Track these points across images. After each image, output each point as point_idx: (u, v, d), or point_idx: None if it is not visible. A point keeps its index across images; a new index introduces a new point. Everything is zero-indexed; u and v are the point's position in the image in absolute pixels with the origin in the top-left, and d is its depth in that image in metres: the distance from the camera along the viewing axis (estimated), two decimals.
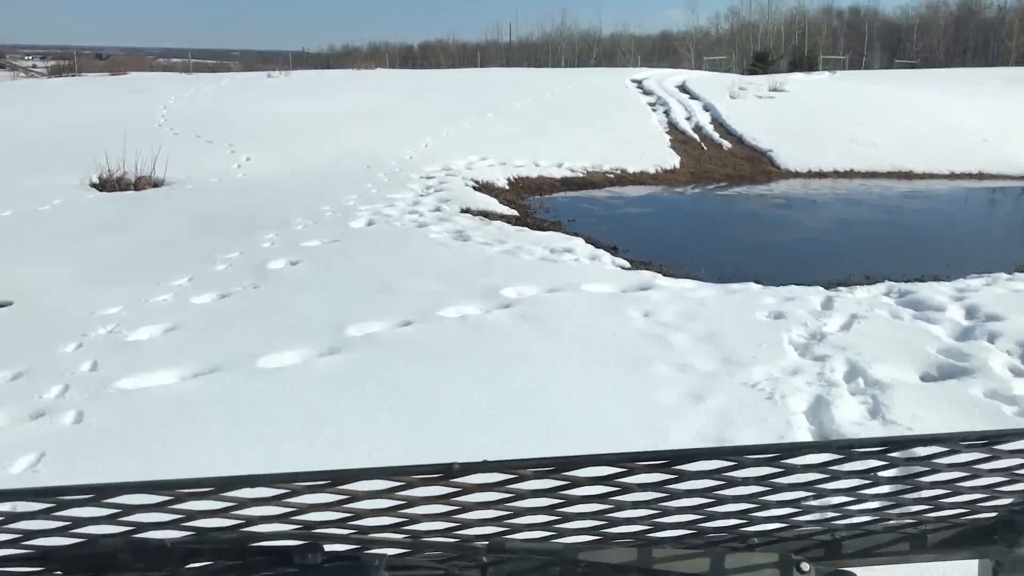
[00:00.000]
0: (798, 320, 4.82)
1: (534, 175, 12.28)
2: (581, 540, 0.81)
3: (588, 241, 7.67)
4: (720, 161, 14.59)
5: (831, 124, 16.24)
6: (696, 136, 16.12)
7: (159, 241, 7.03)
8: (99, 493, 0.71)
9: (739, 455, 0.77)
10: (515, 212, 9.53)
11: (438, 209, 8.97)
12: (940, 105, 18.31)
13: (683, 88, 20.64)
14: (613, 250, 7.46)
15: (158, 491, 0.71)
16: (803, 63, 52.04)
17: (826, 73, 32.65)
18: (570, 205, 10.86)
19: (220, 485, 0.72)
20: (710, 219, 10.94)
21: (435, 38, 76.39)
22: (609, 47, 76.85)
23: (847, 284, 6.01)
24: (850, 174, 13.83)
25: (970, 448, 0.80)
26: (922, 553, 0.87)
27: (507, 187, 11.40)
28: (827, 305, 5.21)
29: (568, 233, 8.26)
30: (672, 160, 14.31)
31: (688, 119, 17.11)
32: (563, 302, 5.21)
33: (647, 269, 6.69)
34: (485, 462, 0.75)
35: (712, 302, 5.25)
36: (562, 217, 9.64)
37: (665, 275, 6.30)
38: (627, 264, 6.85)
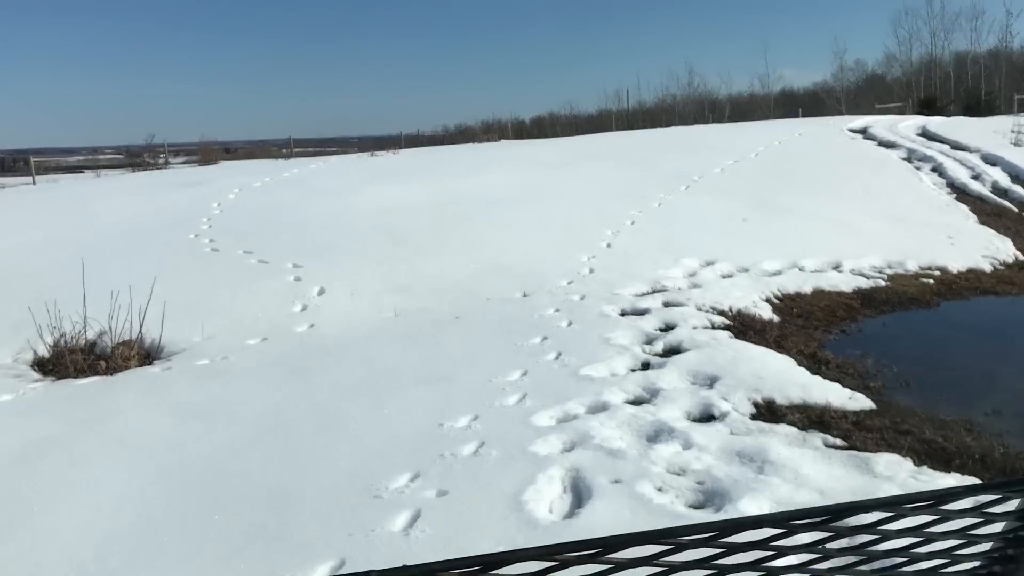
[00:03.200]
0: None
1: (806, 288, 7.15)
2: None
3: None
4: None
5: None
6: (1007, 203, 10.56)
7: None
8: None
9: (675, 537, 0.73)
10: (847, 392, 4.45)
11: (709, 415, 4.02)
12: None
13: (928, 135, 15.14)
14: None
15: None
16: (979, 107, 45.06)
17: None
18: (931, 356, 5.65)
19: None
20: None
21: (546, 111, 72.84)
22: (746, 104, 71.36)
23: None
24: None
25: (916, 511, 0.76)
26: None
27: (774, 316, 6.34)
28: None
29: None
30: (1003, 246, 8.86)
31: (976, 178, 11.60)
32: None
33: None
34: (525, 549, 0.70)
35: None
36: (950, 396, 4.49)
37: None
38: None
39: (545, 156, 15.61)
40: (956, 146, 13.63)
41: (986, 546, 0.80)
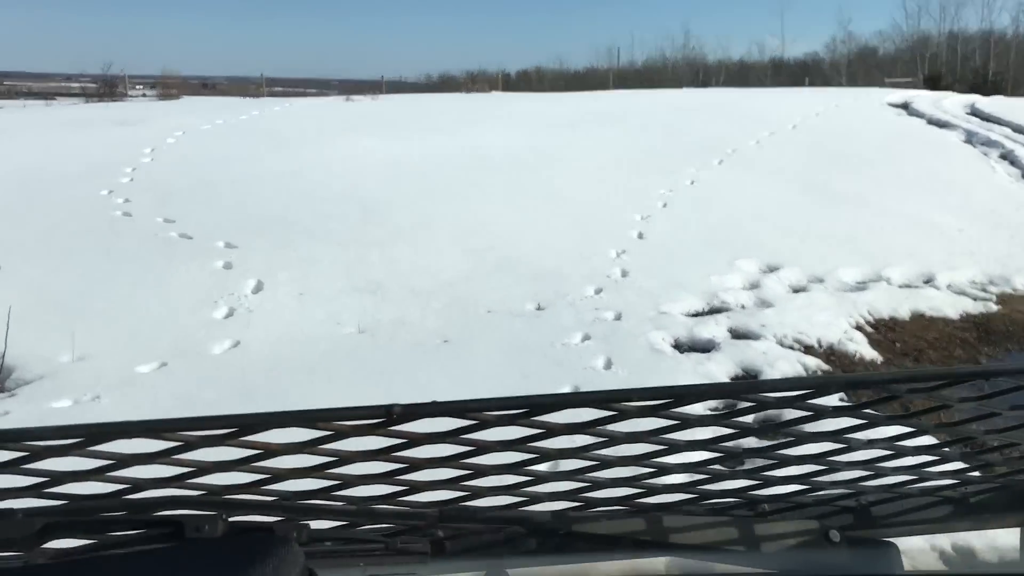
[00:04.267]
0: None
1: (903, 312, 5.51)
2: (558, 506, 0.66)
3: None
4: None
5: None
6: None
7: None
8: None
9: (754, 392, 0.64)
10: None
11: None
12: None
13: (982, 115, 13.45)
14: None
15: (8, 444, 0.55)
16: (984, 87, 43.58)
17: None
18: None
19: (90, 436, 0.57)
20: None
21: (534, 65, 70.20)
22: (743, 70, 69.13)
23: None
24: None
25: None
26: (964, 520, 0.74)
27: (876, 354, 4.71)
28: None
29: None
30: None
31: None
32: None
33: None
34: (434, 403, 0.60)
35: None
36: None
37: None
38: None
39: (548, 113, 13.72)
40: (1019, 128, 11.95)
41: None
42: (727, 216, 7.23)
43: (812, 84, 47.30)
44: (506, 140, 10.37)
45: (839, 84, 53.33)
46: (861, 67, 61.26)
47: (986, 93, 42.97)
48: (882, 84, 45.35)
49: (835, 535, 0.70)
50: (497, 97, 21.94)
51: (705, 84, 60.42)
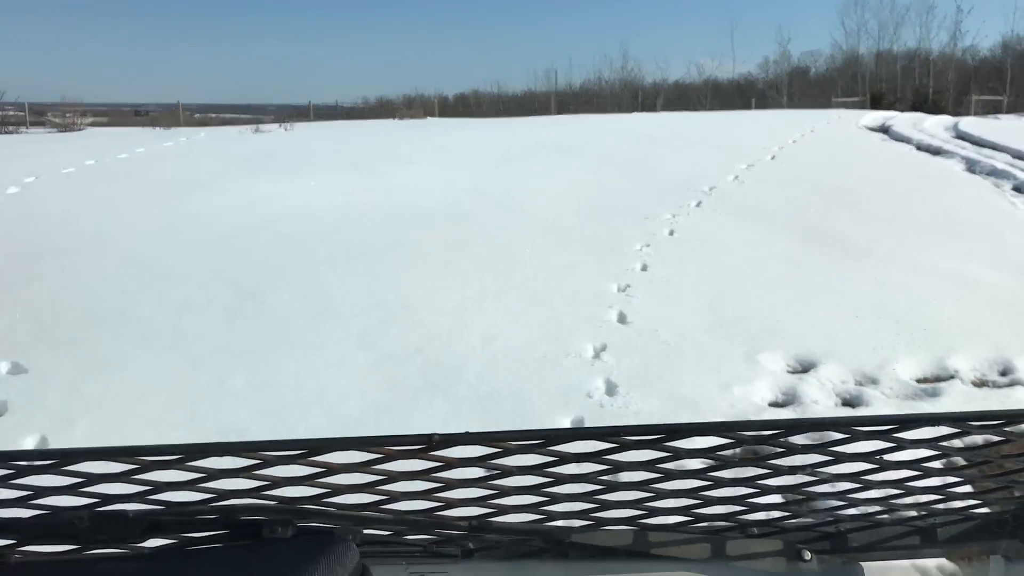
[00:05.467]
0: None
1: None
2: (571, 524, 0.79)
3: None
4: None
5: None
6: None
7: None
8: (60, 460, 0.71)
9: (735, 431, 0.74)
10: None
11: None
12: None
13: (971, 139, 12.33)
14: None
15: (122, 459, 0.70)
16: (925, 105, 43.89)
17: None
18: None
19: (187, 453, 0.71)
20: None
21: (471, 89, 69.12)
22: (681, 91, 68.95)
23: None
24: None
25: (983, 430, 0.77)
26: (932, 548, 0.83)
27: None
28: None
29: None
30: None
31: None
32: None
33: None
34: (467, 434, 0.73)
35: None
36: None
37: None
38: None
39: (491, 144, 12.13)
40: (1019, 154, 10.79)
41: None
42: (725, 281, 5.66)
43: (760, 106, 47.08)
44: (443, 181, 8.71)
45: (779, 106, 53.42)
46: (799, 87, 61.57)
47: (928, 111, 43.14)
48: (828, 105, 45.37)
49: (807, 554, 0.79)
50: (433, 124, 20.33)
51: (646, 106, 59.89)
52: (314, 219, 6.75)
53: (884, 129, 13.13)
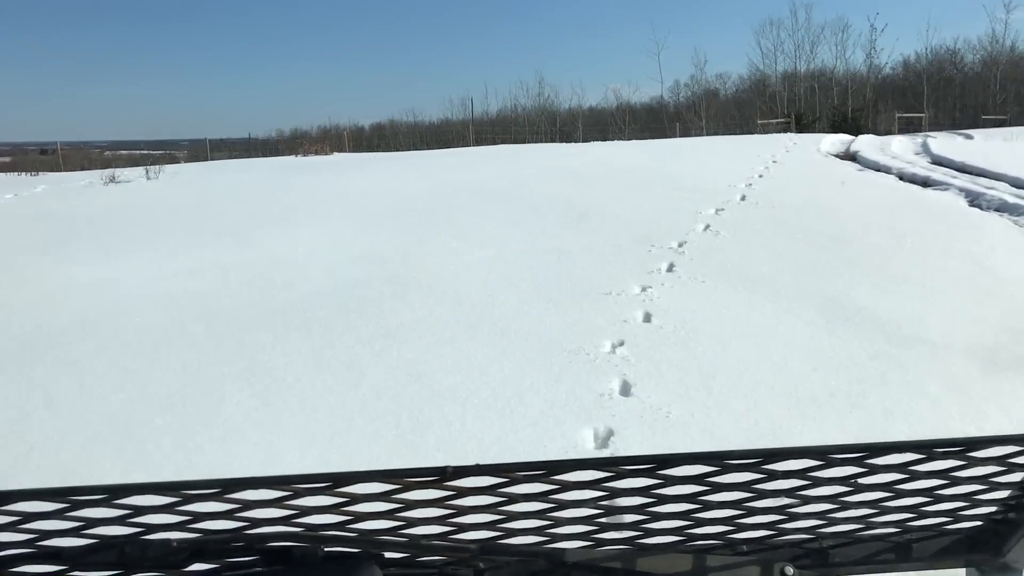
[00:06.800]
0: None
1: None
2: (572, 545, 0.86)
3: None
4: None
5: None
6: None
7: None
8: (111, 494, 0.78)
9: (721, 460, 0.81)
10: None
11: None
12: None
13: (949, 164, 10.93)
14: None
15: (166, 492, 0.78)
16: (845, 125, 44.11)
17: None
18: None
19: (225, 486, 0.78)
20: None
21: (387, 119, 68.09)
22: (597, 116, 68.38)
23: None
24: None
25: (946, 456, 0.82)
26: (908, 562, 0.90)
27: None
28: None
29: None
30: None
31: None
32: None
33: None
34: (478, 465, 0.79)
35: None
36: None
37: None
38: None
39: (400, 188, 10.08)
40: (1018, 183, 9.37)
41: (1004, 493, 0.86)
42: (741, 403, 3.74)
43: (683, 131, 46.43)
44: (330, 245, 6.64)
45: (699, 129, 53.14)
46: (715, 109, 61.66)
47: (849, 131, 43.07)
48: (753, 127, 45.01)
49: (790, 570, 0.84)
50: (338, 162, 18.12)
51: (564, 133, 58.93)
52: (109, 332, 4.56)
53: (852, 156, 11.67)
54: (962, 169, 10.45)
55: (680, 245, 6.87)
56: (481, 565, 0.82)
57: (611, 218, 7.87)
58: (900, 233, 7.23)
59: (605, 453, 3.28)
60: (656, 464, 0.80)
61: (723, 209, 8.28)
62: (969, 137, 19.04)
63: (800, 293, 5.61)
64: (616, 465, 0.80)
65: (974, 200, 8.61)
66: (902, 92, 58.26)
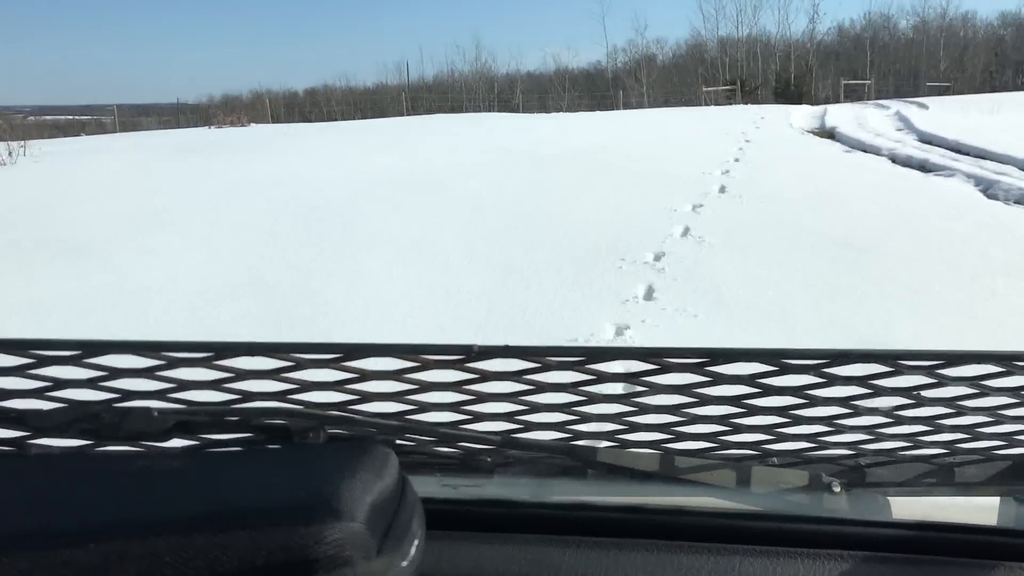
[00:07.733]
0: None
1: None
2: (601, 444, 0.79)
3: None
4: None
5: None
6: None
7: None
8: (82, 350, 0.70)
9: (778, 359, 0.74)
10: None
11: None
12: None
13: (932, 140, 9.78)
14: None
15: (147, 353, 0.70)
16: (788, 92, 43.59)
17: None
18: None
19: (217, 351, 0.70)
20: None
21: (322, 83, 66.07)
22: (535, 81, 66.69)
23: None
24: None
25: None
26: (948, 486, 0.82)
27: None
28: None
29: None
30: None
31: None
32: None
33: None
34: (507, 347, 0.72)
35: None
36: None
37: None
38: None
39: (305, 177, 8.42)
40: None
41: None
42: None
43: (627, 100, 45.09)
44: (200, 270, 5.02)
45: (639, 96, 51.99)
46: (656, 76, 60.50)
47: (791, 99, 42.21)
48: (697, 94, 43.97)
49: (836, 486, 0.77)
50: (250, 137, 16.18)
51: (503, 99, 57.09)
52: None
53: (830, 134, 10.43)
54: (957, 149, 9.32)
55: (657, 258, 5.46)
56: (500, 457, 0.77)
57: (566, 219, 6.40)
58: (923, 237, 5.94)
59: None
60: (708, 359, 0.73)
61: (701, 205, 6.88)
62: (924, 107, 18.14)
63: (824, 330, 4.26)
64: (661, 357, 0.73)
65: (988, 189, 7.41)
66: (838, 58, 58.01)
